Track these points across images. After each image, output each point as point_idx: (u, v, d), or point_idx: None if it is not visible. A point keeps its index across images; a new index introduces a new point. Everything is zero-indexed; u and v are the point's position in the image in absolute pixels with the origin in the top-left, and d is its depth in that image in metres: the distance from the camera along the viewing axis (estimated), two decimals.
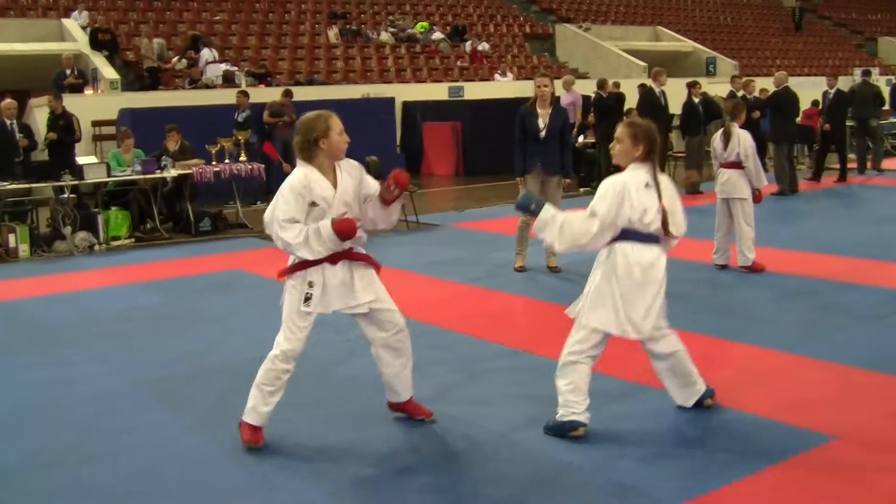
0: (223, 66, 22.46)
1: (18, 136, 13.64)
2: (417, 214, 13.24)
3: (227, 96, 19.17)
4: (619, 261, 5.15)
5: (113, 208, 13.14)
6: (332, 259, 5.16)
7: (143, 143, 14.24)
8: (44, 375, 6.92)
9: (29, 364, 7.26)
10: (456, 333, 7.56)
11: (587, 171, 17.47)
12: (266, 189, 16.17)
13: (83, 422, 5.86)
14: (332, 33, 26.63)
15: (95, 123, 18.40)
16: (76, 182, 12.85)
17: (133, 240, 13.05)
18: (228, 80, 21.94)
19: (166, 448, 5.32)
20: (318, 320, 5.28)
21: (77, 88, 19.42)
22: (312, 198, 5.07)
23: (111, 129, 18.35)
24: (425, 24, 28.71)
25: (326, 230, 5.02)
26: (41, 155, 15.20)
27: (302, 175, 5.10)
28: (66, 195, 13.03)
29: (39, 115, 17.70)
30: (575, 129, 17.95)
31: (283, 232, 5.04)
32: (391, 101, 21.45)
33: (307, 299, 5.18)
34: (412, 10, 30.04)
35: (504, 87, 24.61)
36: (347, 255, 5.24)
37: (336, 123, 5.17)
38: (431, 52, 27.17)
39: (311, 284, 5.17)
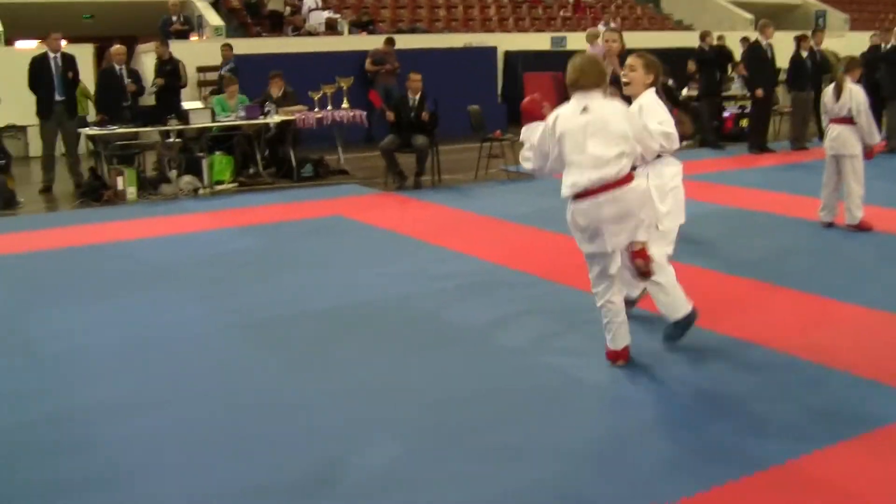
0: (326, 14, 22.52)
1: (126, 81, 13.86)
2: (517, 164, 13.18)
3: (330, 44, 19.31)
4: None
5: (217, 153, 13.33)
6: None
7: (248, 89, 14.40)
8: (146, 315, 7.07)
9: (133, 303, 7.42)
10: (554, 283, 7.53)
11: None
12: (368, 136, 16.27)
13: (182, 362, 5.97)
14: None
15: (200, 69, 18.63)
16: (182, 127, 13.07)
17: (236, 184, 13.24)
18: (331, 27, 22.00)
19: (262, 390, 5.40)
20: None
21: (182, 35, 19.66)
22: None
23: (215, 75, 18.56)
24: None
25: None
26: (148, 100, 15.47)
27: None
28: (171, 139, 13.28)
29: (147, 60, 17.99)
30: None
31: None
32: (493, 50, 21.32)
33: None
34: None
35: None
36: None
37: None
38: (535, 2, 26.89)
39: None
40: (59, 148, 13.54)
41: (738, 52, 17.70)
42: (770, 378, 5.28)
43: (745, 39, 17.01)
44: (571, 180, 5.21)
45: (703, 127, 16.26)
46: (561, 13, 26.66)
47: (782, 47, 16.57)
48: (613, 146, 5.16)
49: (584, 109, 5.21)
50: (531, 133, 5.45)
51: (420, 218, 10.69)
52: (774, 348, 5.71)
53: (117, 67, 13.95)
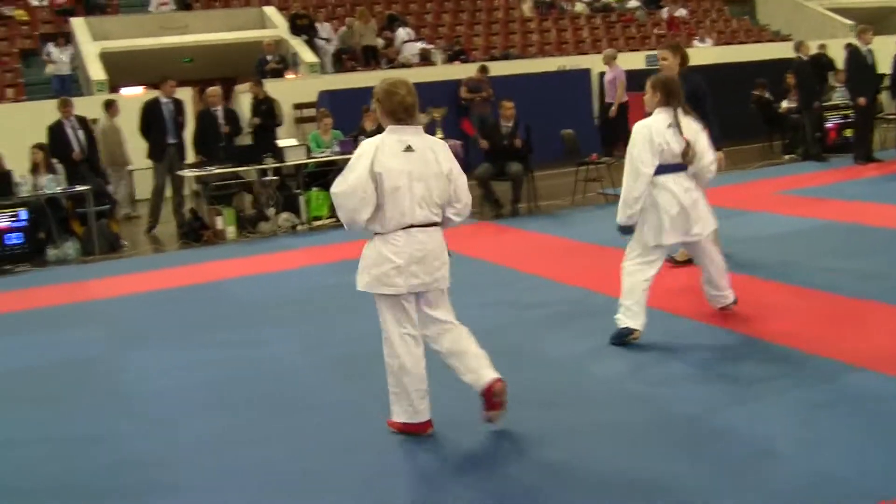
0: (419, 45, 22.66)
1: (221, 122, 14.09)
2: (615, 187, 13.00)
3: (424, 74, 19.35)
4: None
5: (314, 189, 13.43)
6: None
7: (343, 123, 14.50)
8: (239, 354, 7.12)
9: (226, 342, 7.50)
10: (654, 310, 7.34)
11: (791, 138, 16.83)
12: (463, 165, 16.24)
13: (272, 400, 5.98)
14: (527, 6, 26.48)
15: (297, 106, 18.86)
16: (278, 164, 13.21)
17: (334, 219, 13.28)
18: (425, 58, 22.13)
19: (354, 429, 5.35)
20: None
21: (278, 73, 19.97)
22: None
23: (311, 112, 18.78)
24: None
25: None
26: (245, 139, 15.70)
27: None
28: (269, 177, 13.43)
29: (244, 100, 18.27)
30: (614, 108, 17.08)
31: None
32: (587, 72, 21.18)
33: None
34: None
35: (703, 53, 23.88)
36: None
37: None
38: (627, 21, 26.70)
39: None
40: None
41: (840, 60, 17.25)
42: (865, 405, 5.04)
43: (849, 46, 16.56)
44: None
45: (805, 139, 15.88)
46: (655, 31, 26.39)
47: (885, 52, 16.12)
48: None
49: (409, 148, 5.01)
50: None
51: (516, 246, 10.59)
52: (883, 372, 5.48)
53: (213, 109, 14.20)
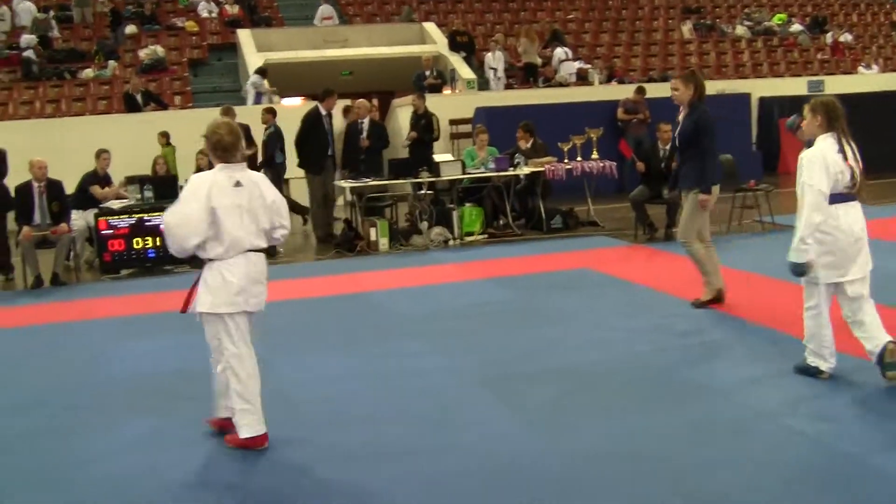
0: (577, 64, 22.61)
1: (362, 136, 14.38)
2: (773, 215, 12.72)
3: (581, 94, 19.32)
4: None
5: (467, 204, 13.51)
6: None
7: (498, 140, 14.56)
8: (388, 366, 7.21)
9: (376, 354, 7.59)
10: None
11: None
12: (618, 187, 16.11)
13: (420, 414, 6.02)
14: (686, 28, 26.17)
15: (453, 122, 19.02)
16: (433, 179, 13.32)
17: (486, 235, 13.38)
18: (582, 77, 22.06)
19: (496, 448, 5.34)
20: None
21: (436, 88, 20.17)
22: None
23: (467, 128, 18.91)
24: (783, 16, 27.59)
25: None
26: (402, 152, 15.91)
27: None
28: (423, 191, 13.56)
29: (402, 114, 18.54)
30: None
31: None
32: (747, 96, 20.78)
33: None
34: (769, 2, 28.92)
35: (869, 80, 23.23)
36: None
37: None
38: (789, 45, 26.08)
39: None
40: None
41: None
42: None
43: None
44: None
45: None
46: (818, 56, 25.72)
47: None
48: None
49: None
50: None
51: (669, 271, 10.43)
52: None
53: (359, 122, 14.44)
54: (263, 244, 5.66)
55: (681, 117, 8.46)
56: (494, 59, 21.90)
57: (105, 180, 13.38)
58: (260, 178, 5.72)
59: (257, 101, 19.85)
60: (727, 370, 6.56)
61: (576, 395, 6.25)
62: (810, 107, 6.15)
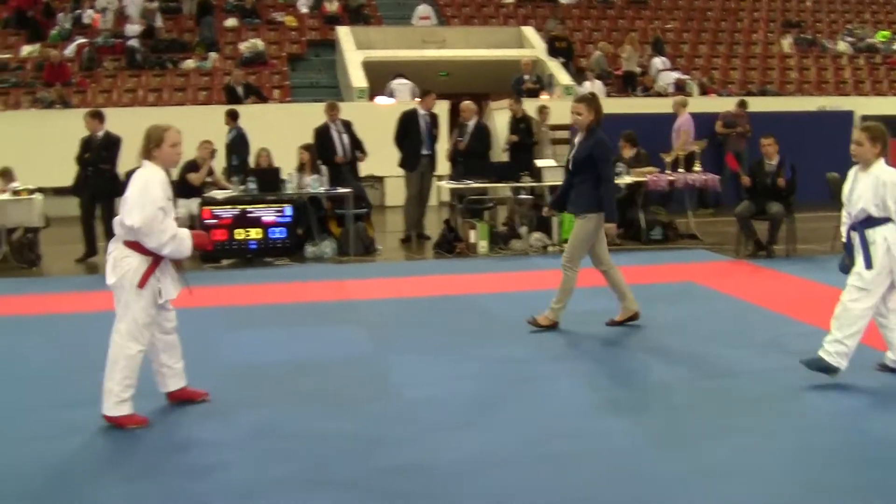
0: (675, 75, 22.40)
1: (460, 138, 14.38)
2: None
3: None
4: None
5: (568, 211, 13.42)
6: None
7: None
8: (497, 370, 7.18)
9: (482, 357, 7.56)
10: None
11: None
12: (717, 200, 15.92)
13: (533, 422, 5.96)
14: (787, 42, 25.78)
15: (551, 127, 18.91)
16: (534, 184, 13.26)
17: None
18: (680, 88, 21.84)
19: (619, 461, 5.27)
20: None
21: (533, 93, 20.10)
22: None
23: (565, 133, 18.77)
24: (887, 33, 26.99)
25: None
26: (502, 156, 15.87)
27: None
28: (524, 196, 13.51)
29: (498, 117, 18.50)
30: (670, 158, 14.74)
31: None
32: (849, 114, 20.38)
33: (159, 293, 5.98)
34: (872, 18, 28.35)
35: None
36: None
37: (172, 136, 6.02)
38: (893, 63, 25.54)
39: (158, 279, 5.96)
40: None
41: None
42: None
43: None
44: None
45: None
46: None
47: None
48: None
49: None
50: None
51: (775, 288, 10.26)
52: None
53: (465, 123, 14.43)
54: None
55: (577, 140, 8.36)
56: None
57: (206, 171, 13.56)
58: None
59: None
60: (844, 395, 6.38)
61: (693, 409, 6.15)
62: (871, 134, 6.58)
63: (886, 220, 6.38)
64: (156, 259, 5.92)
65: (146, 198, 5.78)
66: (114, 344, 5.90)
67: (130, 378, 5.91)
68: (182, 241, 5.90)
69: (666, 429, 5.81)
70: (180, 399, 6.37)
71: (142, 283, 5.85)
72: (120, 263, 5.91)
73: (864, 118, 20.83)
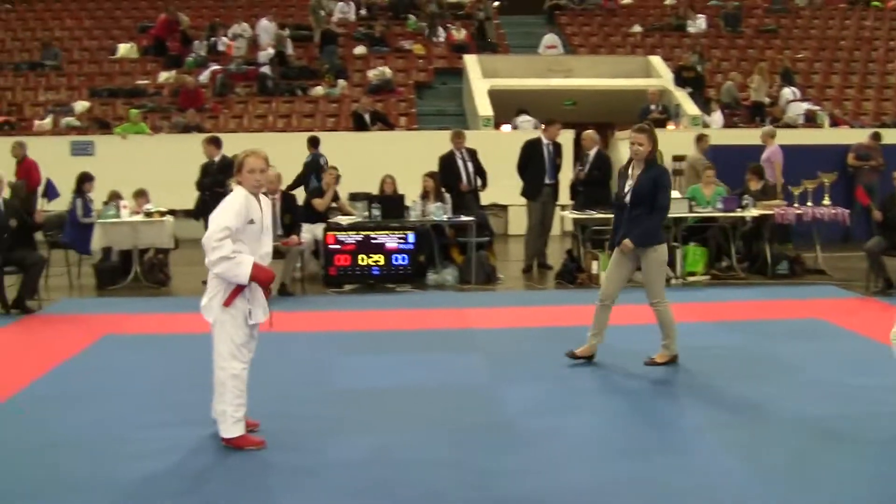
0: (805, 105, 21.95)
1: (581, 168, 14.31)
2: None
3: (810, 137, 18.74)
4: None
5: (691, 244, 13.25)
6: None
7: (724, 179, 14.23)
8: (619, 405, 7.15)
9: (598, 390, 7.59)
10: None
11: None
12: (846, 235, 15.53)
13: (652, 456, 5.91)
14: None
15: (676, 158, 18.72)
16: None
17: (708, 276, 13.09)
18: (810, 119, 21.40)
19: (735, 495, 5.20)
20: None
21: (660, 123, 19.92)
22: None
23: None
24: None
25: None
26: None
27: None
28: None
29: (622, 147, 18.37)
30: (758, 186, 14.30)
31: None
32: None
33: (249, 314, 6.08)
34: None
35: None
36: None
37: (250, 162, 6.06)
38: None
39: (248, 300, 6.07)
40: None
41: None
42: None
43: None
44: None
45: None
46: None
47: None
48: None
49: None
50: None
51: None
52: None
53: (587, 152, 14.39)
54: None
55: (634, 172, 8.14)
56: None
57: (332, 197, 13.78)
58: None
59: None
60: None
61: (814, 450, 6.00)
62: None
63: None
64: None
65: (215, 218, 5.94)
66: (217, 368, 6.05)
67: (241, 397, 6.05)
68: (238, 266, 5.92)
69: (790, 468, 5.69)
70: None
71: (227, 302, 5.99)
72: (211, 283, 6.08)
73: None
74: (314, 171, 15.86)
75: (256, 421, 6.44)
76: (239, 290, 6.00)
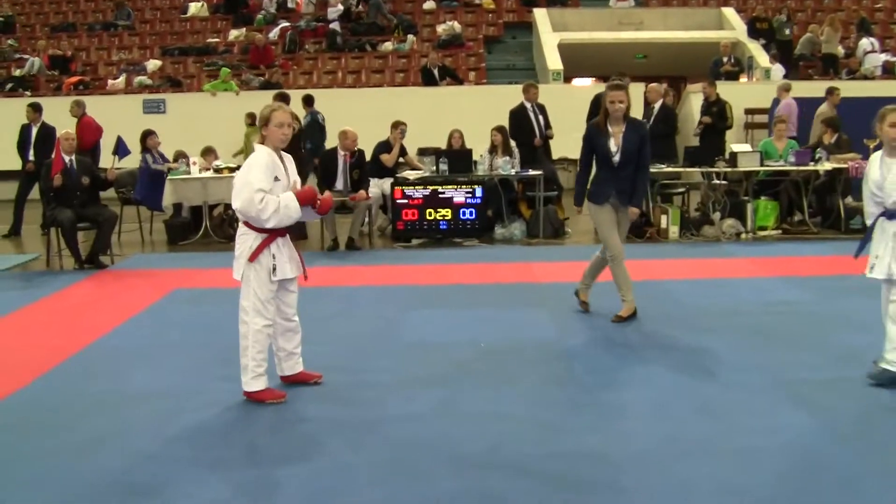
0: (883, 56, 21.42)
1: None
2: None
3: (888, 89, 18.28)
4: None
5: (762, 198, 13.07)
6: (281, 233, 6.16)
7: (797, 132, 14.00)
8: (688, 360, 7.04)
9: (676, 347, 7.44)
10: None
11: None
12: None
13: (720, 414, 5.83)
14: None
15: (748, 111, 18.44)
16: (727, 169, 12.94)
17: (780, 231, 12.90)
18: (888, 70, 20.90)
19: (804, 455, 5.13)
20: None
21: (732, 76, 19.62)
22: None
23: (763, 118, 18.30)
24: None
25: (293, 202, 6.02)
26: (693, 140, 15.56)
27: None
28: (717, 181, 13.22)
29: (695, 100, 18.13)
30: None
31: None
32: None
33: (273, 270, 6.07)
34: None
35: None
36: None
37: (278, 116, 6.05)
38: None
39: (274, 257, 6.06)
40: None
41: None
42: None
43: None
44: None
45: None
46: None
47: None
48: None
49: None
50: None
51: None
52: None
53: (651, 105, 14.20)
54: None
55: (616, 131, 7.97)
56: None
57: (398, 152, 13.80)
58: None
59: None
60: None
61: (886, 409, 5.90)
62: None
63: None
64: (270, 235, 6.07)
65: (245, 182, 5.94)
66: (241, 322, 6.10)
67: (263, 353, 6.12)
68: (287, 209, 5.97)
69: (856, 426, 5.61)
70: (294, 382, 6.47)
71: (252, 257, 6.01)
72: (239, 241, 6.13)
73: None
74: (315, 130, 16.07)
75: (318, 374, 6.53)
76: (265, 244, 6.04)
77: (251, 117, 17.26)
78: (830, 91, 15.59)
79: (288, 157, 6.25)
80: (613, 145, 7.95)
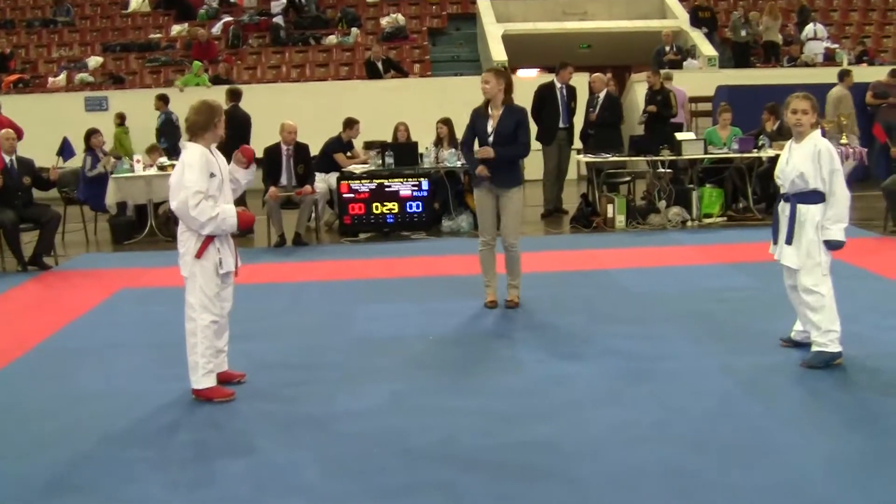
0: (824, 44, 21.67)
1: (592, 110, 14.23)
2: None
3: (829, 76, 18.48)
4: None
5: (707, 185, 13.18)
6: None
7: (739, 120, 14.12)
8: (637, 348, 7.07)
9: (623, 335, 7.47)
10: None
11: None
12: (864, 174, 15.39)
13: (669, 400, 5.88)
14: None
15: (692, 99, 18.56)
16: (672, 157, 13.03)
17: (725, 218, 13.02)
18: (829, 58, 21.14)
19: (757, 442, 5.15)
20: None
21: (675, 65, 19.74)
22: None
23: (707, 106, 18.45)
24: None
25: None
26: (638, 129, 15.65)
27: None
28: (662, 170, 13.30)
29: (639, 89, 18.23)
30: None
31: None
32: None
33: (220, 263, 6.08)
34: None
35: None
36: None
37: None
38: None
39: (219, 251, 6.06)
40: None
41: None
42: None
43: None
44: None
45: None
46: None
47: None
48: None
49: None
50: None
51: None
52: None
53: (595, 95, 14.26)
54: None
55: (494, 113, 8.19)
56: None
57: (349, 148, 13.75)
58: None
59: None
60: None
61: (829, 392, 5.97)
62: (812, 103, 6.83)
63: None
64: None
65: (181, 184, 5.90)
66: (188, 319, 6.05)
67: (212, 349, 6.07)
68: (224, 220, 5.94)
69: (801, 409, 5.68)
70: (220, 381, 6.33)
71: (199, 254, 5.98)
72: (181, 238, 6.08)
73: None
74: (171, 129, 16.34)
75: (242, 373, 6.48)
76: (209, 240, 6.00)
77: (120, 118, 17.29)
78: (844, 74, 15.86)
79: (220, 155, 6.20)
80: (490, 127, 8.16)
